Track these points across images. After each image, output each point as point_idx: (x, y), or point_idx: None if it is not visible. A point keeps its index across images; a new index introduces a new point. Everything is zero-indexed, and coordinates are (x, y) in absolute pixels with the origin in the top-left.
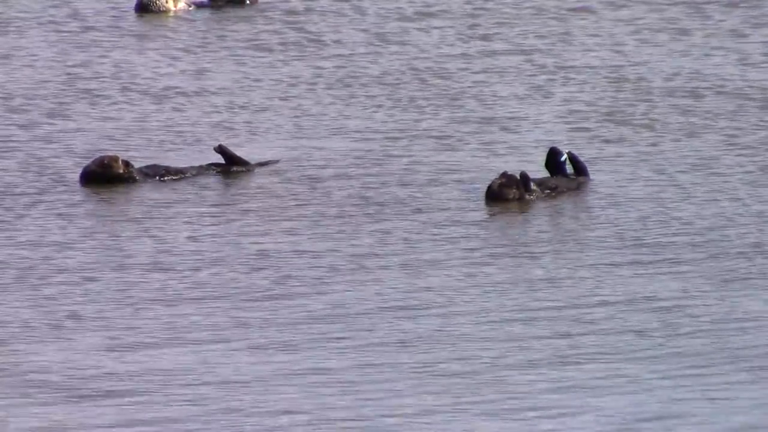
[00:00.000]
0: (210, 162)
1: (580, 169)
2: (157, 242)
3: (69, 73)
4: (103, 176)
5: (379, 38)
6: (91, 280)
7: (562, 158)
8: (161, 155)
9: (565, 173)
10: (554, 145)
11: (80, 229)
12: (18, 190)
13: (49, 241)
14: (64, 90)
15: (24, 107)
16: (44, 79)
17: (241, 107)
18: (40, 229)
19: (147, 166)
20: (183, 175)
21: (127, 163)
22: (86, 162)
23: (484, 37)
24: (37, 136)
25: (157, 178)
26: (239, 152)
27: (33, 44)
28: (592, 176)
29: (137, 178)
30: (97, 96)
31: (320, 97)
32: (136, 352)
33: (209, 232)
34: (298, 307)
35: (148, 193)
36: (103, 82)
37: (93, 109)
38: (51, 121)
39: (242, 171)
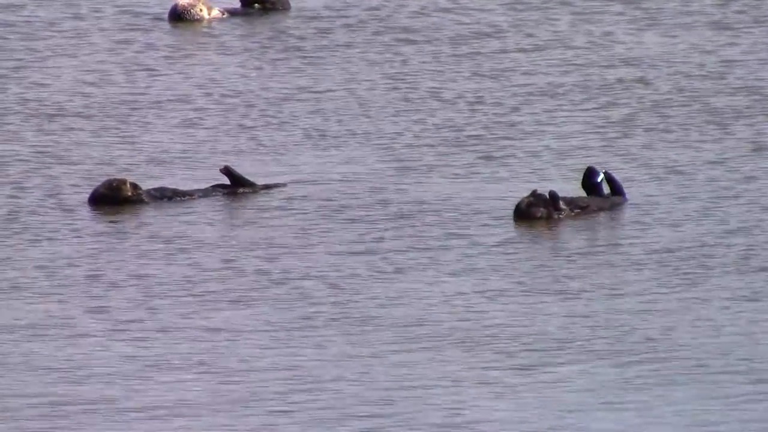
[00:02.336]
0: (216, 183)
1: (616, 189)
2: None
3: (101, 85)
4: (112, 199)
5: (406, 45)
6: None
7: (599, 178)
8: (193, 168)
9: (601, 193)
10: (591, 165)
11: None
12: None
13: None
14: (91, 105)
15: (57, 119)
16: (77, 89)
17: (269, 119)
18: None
19: (155, 188)
20: (190, 197)
21: (135, 186)
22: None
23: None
24: (66, 149)
25: (165, 199)
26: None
27: (60, 55)
28: (627, 195)
29: (146, 200)
30: (134, 107)
31: (342, 110)
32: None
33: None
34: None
35: (155, 214)
36: (139, 92)
37: (129, 119)
38: (90, 131)
39: (248, 192)
